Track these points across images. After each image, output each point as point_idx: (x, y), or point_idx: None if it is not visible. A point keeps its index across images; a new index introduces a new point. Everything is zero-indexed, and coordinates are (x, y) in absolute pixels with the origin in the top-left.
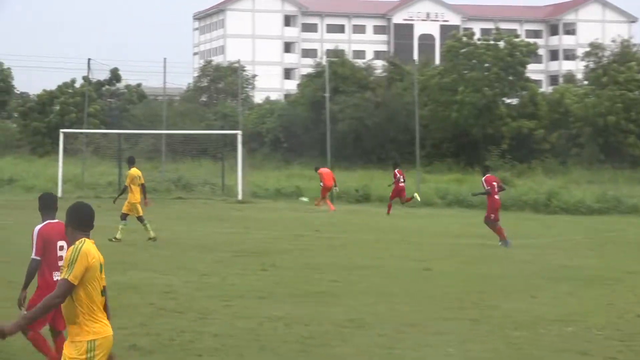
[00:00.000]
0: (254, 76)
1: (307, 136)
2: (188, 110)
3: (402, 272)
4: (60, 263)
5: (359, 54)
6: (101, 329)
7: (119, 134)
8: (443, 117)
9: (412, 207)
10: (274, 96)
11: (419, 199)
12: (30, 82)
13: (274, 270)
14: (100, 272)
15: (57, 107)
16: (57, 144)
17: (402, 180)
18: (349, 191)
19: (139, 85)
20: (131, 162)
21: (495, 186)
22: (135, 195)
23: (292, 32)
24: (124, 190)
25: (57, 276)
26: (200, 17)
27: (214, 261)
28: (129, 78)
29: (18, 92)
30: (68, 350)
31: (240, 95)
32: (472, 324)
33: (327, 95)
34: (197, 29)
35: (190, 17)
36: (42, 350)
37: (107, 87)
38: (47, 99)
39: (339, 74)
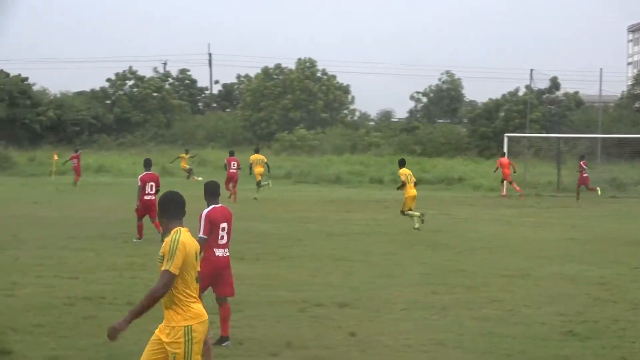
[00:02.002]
0: None
1: None
2: (622, 116)
3: None
4: (222, 241)
5: None
6: (196, 313)
7: (558, 138)
8: None
9: None
10: None
11: (599, 193)
12: (478, 91)
13: None
14: (196, 259)
15: (502, 114)
16: (502, 147)
17: (585, 170)
18: None
19: (576, 93)
20: (402, 164)
21: None
22: (409, 191)
23: None
24: (402, 186)
25: (219, 252)
26: (634, 29)
27: None
28: (567, 87)
29: (467, 100)
30: (164, 334)
31: None
32: None
33: None
34: (631, 40)
35: (624, 29)
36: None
37: (547, 95)
38: (493, 107)
39: None
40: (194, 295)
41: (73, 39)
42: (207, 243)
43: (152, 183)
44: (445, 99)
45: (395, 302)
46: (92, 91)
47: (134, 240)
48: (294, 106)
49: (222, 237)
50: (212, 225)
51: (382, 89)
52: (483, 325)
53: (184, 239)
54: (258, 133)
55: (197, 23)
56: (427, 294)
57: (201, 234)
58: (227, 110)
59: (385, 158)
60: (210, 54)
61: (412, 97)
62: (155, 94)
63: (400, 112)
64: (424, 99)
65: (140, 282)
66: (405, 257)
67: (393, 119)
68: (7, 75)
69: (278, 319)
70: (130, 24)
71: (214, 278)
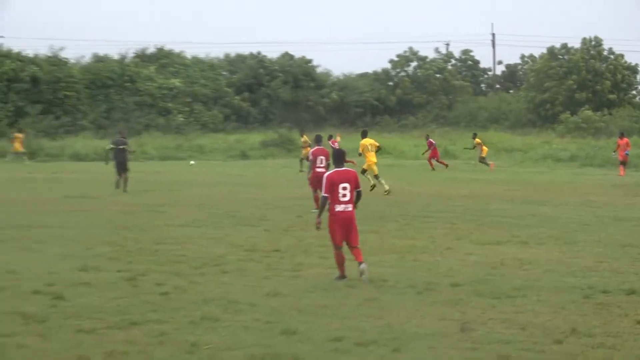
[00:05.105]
0: None
1: None
2: None
3: None
4: (344, 199)
5: None
6: None
7: None
8: None
9: None
10: None
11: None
12: None
13: None
14: None
15: None
16: None
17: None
18: None
19: None
20: (364, 135)
21: None
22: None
23: None
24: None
25: (339, 207)
26: None
27: None
28: None
29: None
30: None
31: None
32: None
33: None
34: None
35: None
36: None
37: None
38: None
39: None
40: None
41: (352, 20)
42: (330, 200)
43: (323, 157)
44: None
45: None
46: (375, 73)
47: (312, 210)
48: (579, 87)
49: (345, 195)
50: (332, 185)
51: None
52: None
53: None
54: (542, 114)
55: (479, 3)
56: None
57: (323, 193)
58: (511, 91)
59: None
60: (493, 34)
61: None
62: (437, 75)
63: None
64: None
65: (421, 265)
66: None
67: None
68: (292, 57)
69: (562, 305)
70: (410, 4)
71: (344, 231)
